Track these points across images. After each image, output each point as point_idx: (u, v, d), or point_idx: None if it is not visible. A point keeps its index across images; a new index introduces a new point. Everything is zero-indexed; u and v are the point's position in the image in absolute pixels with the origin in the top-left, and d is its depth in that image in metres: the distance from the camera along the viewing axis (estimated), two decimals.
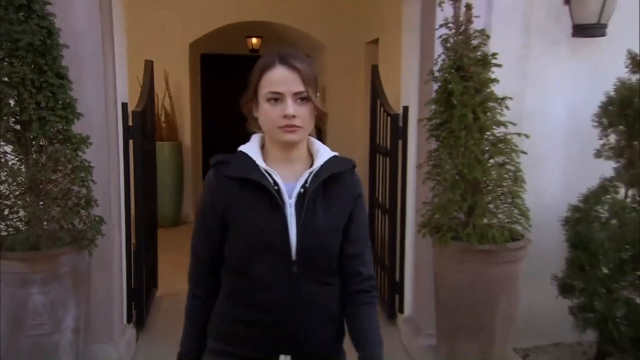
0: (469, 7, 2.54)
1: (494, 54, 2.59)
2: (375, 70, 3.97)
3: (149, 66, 3.97)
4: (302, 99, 1.33)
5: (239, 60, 7.95)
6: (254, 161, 1.39)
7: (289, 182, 1.40)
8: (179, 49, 6.34)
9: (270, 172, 1.38)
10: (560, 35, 3.17)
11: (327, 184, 1.40)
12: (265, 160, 1.40)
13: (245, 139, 1.49)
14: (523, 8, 3.14)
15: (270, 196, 1.36)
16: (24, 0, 2.27)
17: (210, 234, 1.43)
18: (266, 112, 1.35)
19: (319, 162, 1.40)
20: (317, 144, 1.46)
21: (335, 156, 1.45)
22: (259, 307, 1.38)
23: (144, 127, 3.55)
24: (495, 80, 2.58)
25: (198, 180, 6.62)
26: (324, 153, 1.43)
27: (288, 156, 1.40)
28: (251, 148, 1.43)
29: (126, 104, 3.28)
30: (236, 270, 1.41)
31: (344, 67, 6.47)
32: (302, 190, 1.38)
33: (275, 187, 1.37)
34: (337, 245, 1.43)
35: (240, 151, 1.43)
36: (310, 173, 1.39)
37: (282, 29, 6.84)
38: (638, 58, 2.79)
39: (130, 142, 3.31)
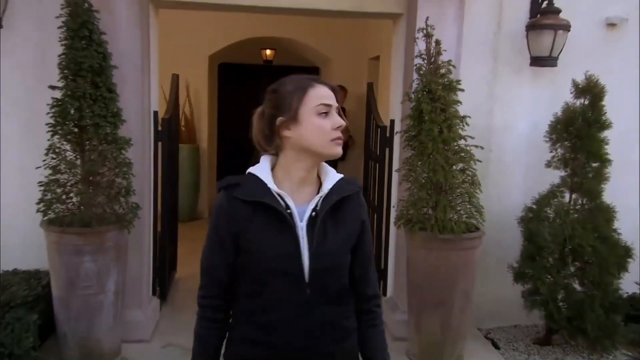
0: (438, 42, 3.16)
1: (458, 81, 3.21)
2: (370, 88, 4.59)
3: (175, 79, 4.63)
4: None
5: (254, 69, 8.67)
6: (266, 184, 1.38)
7: (300, 205, 1.39)
8: (199, 61, 7.01)
9: (282, 195, 1.38)
10: (522, 64, 3.78)
11: (336, 206, 1.41)
12: (275, 183, 1.40)
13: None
14: (491, 42, 3.77)
15: (283, 220, 1.36)
16: (86, 32, 2.94)
17: (223, 256, 1.41)
18: (318, 126, 1.35)
19: (327, 185, 1.41)
20: (325, 166, 1.46)
21: (342, 179, 1.46)
22: (272, 329, 1.38)
23: (170, 132, 4.21)
24: (458, 102, 3.19)
25: (213, 180, 7.27)
26: (332, 176, 1.44)
27: (304, 178, 1.41)
28: (262, 170, 1.42)
29: (157, 111, 3.93)
30: (249, 292, 1.41)
31: (349, 79, 7.10)
32: (313, 214, 1.39)
33: (288, 211, 1.37)
34: (347, 266, 1.45)
35: (250, 173, 1.43)
36: (321, 197, 1.40)
37: (293, 43, 7.50)
38: (580, 86, 3.39)
39: (159, 144, 3.96)
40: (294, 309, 1.37)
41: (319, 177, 1.45)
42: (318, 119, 1.35)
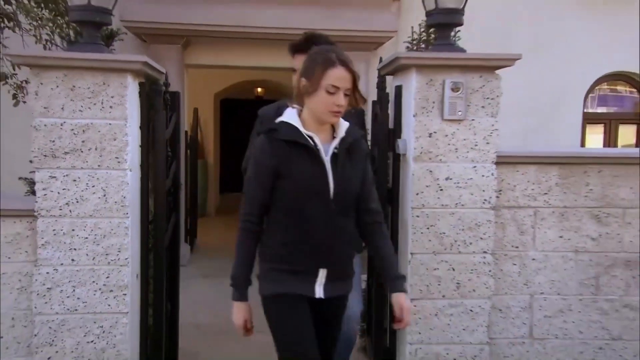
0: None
1: None
2: None
3: (195, 112, 7.33)
4: (346, 95, 1.83)
5: (248, 103, 11.44)
6: (297, 128, 1.87)
7: (323, 143, 1.88)
8: (207, 97, 9.69)
9: (312, 136, 1.87)
10: None
11: (350, 146, 1.92)
12: (303, 127, 1.87)
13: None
14: None
15: (314, 154, 1.87)
16: None
17: (264, 183, 1.89)
18: (324, 100, 1.81)
19: (341, 131, 1.91)
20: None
21: (350, 125, 1.94)
22: (307, 234, 1.88)
23: (193, 145, 6.86)
24: None
25: (217, 187, 9.87)
26: (343, 123, 1.92)
27: (322, 126, 1.89)
28: (292, 118, 1.90)
29: (187, 131, 6.58)
30: (289, 208, 1.89)
31: None
32: (335, 151, 1.90)
33: (317, 148, 1.86)
34: (358, 189, 1.96)
35: (283, 121, 1.91)
36: (341, 139, 1.90)
37: (278, 85, 10.22)
38: None
39: (188, 151, 6.59)
40: (322, 220, 1.88)
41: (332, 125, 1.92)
42: (326, 95, 1.81)
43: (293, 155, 1.86)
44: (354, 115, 2.36)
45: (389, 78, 3.01)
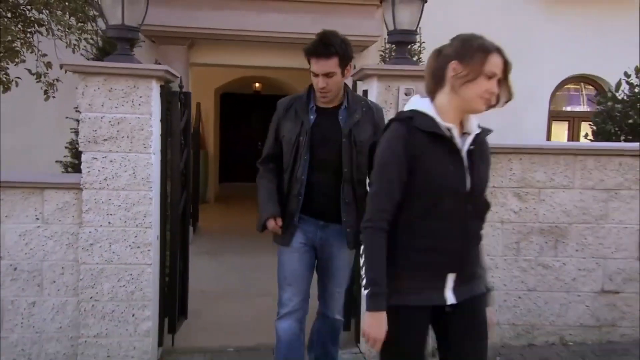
0: None
1: None
2: None
3: (198, 106, 8.09)
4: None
5: (247, 97, 12.17)
6: (434, 119, 1.73)
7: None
8: (208, 91, 10.45)
9: (450, 128, 1.73)
10: None
11: (482, 144, 1.82)
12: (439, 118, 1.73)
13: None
14: None
15: (453, 148, 1.73)
16: None
17: (401, 174, 1.71)
18: (480, 85, 1.68)
19: (475, 125, 1.80)
20: None
21: (478, 123, 1.84)
22: (438, 236, 1.73)
23: (195, 136, 7.63)
24: None
25: (216, 176, 10.64)
26: (472, 119, 1.80)
27: (457, 116, 1.75)
28: (428, 109, 1.75)
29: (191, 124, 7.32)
30: (420, 207, 1.73)
31: None
32: (472, 147, 1.77)
33: (456, 142, 1.74)
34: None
35: (416, 110, 1.76)
36: (476, 134, 1.78)
37: (275, 81, 10.97)
38: None
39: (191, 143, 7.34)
40: (458, 221, 1.75)
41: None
42: (485, 81, 1.70)
43: (429, 148, 1.73)
44: (376, 110, 2.53)
45: (359, 83, 3.77)
